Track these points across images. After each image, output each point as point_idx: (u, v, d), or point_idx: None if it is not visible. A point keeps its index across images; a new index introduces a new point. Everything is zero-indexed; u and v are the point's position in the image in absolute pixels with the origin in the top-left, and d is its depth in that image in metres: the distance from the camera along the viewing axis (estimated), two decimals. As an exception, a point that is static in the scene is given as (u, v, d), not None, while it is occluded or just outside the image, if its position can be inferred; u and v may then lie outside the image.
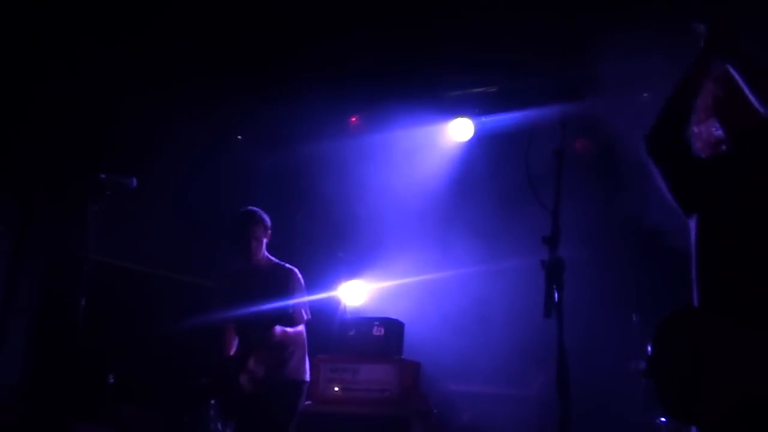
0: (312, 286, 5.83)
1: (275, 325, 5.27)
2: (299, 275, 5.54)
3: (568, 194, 3.02)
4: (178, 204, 6.91)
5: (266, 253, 5.58)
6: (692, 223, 3.09)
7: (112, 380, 5.96)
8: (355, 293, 7.48)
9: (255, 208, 5.53)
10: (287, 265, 5.57)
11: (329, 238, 7.73)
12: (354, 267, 7.62)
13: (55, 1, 5.74)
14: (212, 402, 5.22)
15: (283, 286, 5.41)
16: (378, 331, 6.03)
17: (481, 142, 7.42)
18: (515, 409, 6.63)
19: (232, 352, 5.51)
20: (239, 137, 7.85)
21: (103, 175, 4.51)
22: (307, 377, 5.53)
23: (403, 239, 7.48)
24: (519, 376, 6.72)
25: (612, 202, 6.44)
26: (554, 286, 2.69)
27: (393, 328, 6.09)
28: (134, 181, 4.63)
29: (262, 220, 5.50)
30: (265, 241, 5.53)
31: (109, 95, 6.32)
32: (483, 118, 7.39)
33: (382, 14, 6.10)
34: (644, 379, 5.58)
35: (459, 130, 7.46)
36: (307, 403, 5.61)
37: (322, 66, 6.63)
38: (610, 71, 5.80)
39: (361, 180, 7.42)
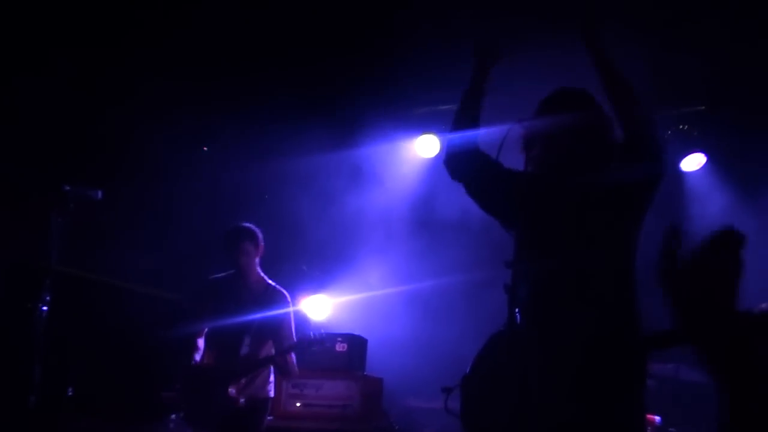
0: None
1: (288, 350, 5.30)
2: (290, 298, 5.55)
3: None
4: (144, 216, 6.87)
5: (259, 271, 5.56)
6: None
7: (71, 392, 5.89)
8: (319, 307, 7.47)
9: (248, 225, 5.53)
10: (278, 286, 5.56)
11: (293, 251, 7.72)
12: (318, 281, 7.62)
13: (19, 7, 5.69)
14: (173, 416, 5.19)
15: (275, 309, 5.41)
16: (341, 347, 6.04)
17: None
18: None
19: (198, 361, 5.46)
20: (205, 148, 7.81)
21: (67, 187, 4.47)
22: (273, 394, 5.52)
23: (368, 254, 7.50)
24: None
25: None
26: (516, 310, 2.71)
27: (356, 344, 6.11)
28: (99, 194, 4.60)
29: (254, 237, 5.48)
30: (257, 258, 5.51)
31: (74, 106, 6.27)
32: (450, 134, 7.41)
33: (351, 29, 6.14)
34: None
35: (425, 147, 7.50)
36: (268, 418, 5.60)
37: (288, 80, 6.64)
38: None
39: (326, 194, 7.44)
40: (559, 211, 2.98)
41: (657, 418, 5.73)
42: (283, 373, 5.37)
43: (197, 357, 5.42)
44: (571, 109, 3.04)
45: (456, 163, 3.26)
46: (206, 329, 5.48)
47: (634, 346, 2.79)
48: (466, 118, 3.27)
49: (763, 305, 3.19)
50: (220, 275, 5.60)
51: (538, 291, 2.86)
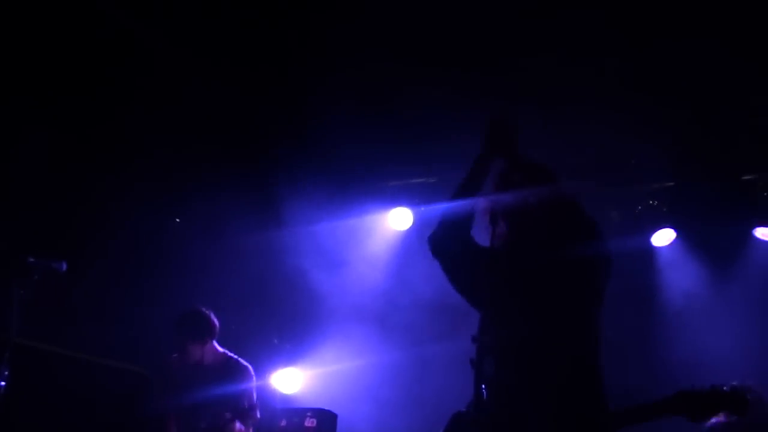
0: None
1: (233, 419, 5.16)
2: (252, 372, 5.48)
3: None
4: (109, 288, 6.77)
5: (216, 347, 5.51)
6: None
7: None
8: (290, 381, 7.36)
9: (196, 309, 5.47)
10: (242, 361, 5.50)
11: (264, 324, 7.64)
12: (289, 354, 7.53)
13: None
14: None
15: (236, 382, 5.37)
16: (310, 422, 5.93)
17: (420, 231, 7.47)
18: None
19: None
20: (177, 220, 7.76)
21: (31, 258, 4.40)
22: None
23: (340, 327, 7.43)
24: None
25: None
26: (483, 386, 2.67)
27: (325, 419, 6.00)
28: (64, 265, 4.53)
29: (200, 322, 5.42)
30: (209, 340, 5.45)
31: (40, 176, 6.23)
32: (422, 208, 7.47)
33: (324, 108, 6.20)
34: None
35: (398, 220, 7.51)
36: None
37: (257, 155, 6.68)
38: None
39: (297, 267, 7.39)
40: (520, 286, 2.97)
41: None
42: None
43: None
44: (532, 185, 3.05)
45: (443, 239, 3.21)
46: (173, 411, 5.41)
47: (597, 423, 2.75)
48: (464, 199, 3.24)
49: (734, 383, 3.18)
50: (179, 356, 5.53)
51: (502, 366, 2.82)
